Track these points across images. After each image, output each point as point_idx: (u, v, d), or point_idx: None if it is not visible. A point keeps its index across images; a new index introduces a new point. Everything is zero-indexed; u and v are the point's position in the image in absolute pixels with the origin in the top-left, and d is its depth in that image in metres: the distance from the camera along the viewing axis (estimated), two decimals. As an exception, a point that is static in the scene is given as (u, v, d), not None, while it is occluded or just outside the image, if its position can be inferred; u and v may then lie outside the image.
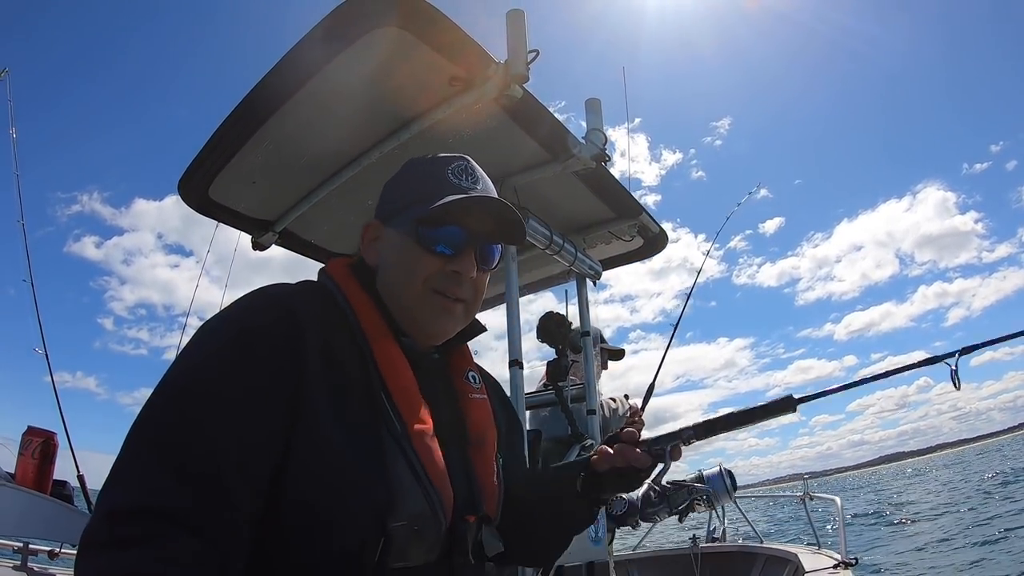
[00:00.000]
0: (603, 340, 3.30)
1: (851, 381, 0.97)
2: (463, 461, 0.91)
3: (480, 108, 1.65)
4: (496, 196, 0.93)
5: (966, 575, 8.28)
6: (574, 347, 2.57)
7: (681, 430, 0.95)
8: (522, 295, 2.07)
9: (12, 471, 3.06)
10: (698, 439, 0.95)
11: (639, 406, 2.98)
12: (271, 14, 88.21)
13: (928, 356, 0.95)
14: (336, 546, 0.71)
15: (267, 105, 1.62)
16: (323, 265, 0.95)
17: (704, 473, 0.89)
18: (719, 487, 0.88)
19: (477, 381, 1.01)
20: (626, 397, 3.03)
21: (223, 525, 0.64)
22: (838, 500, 3.90)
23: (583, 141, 1.93)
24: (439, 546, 0.79)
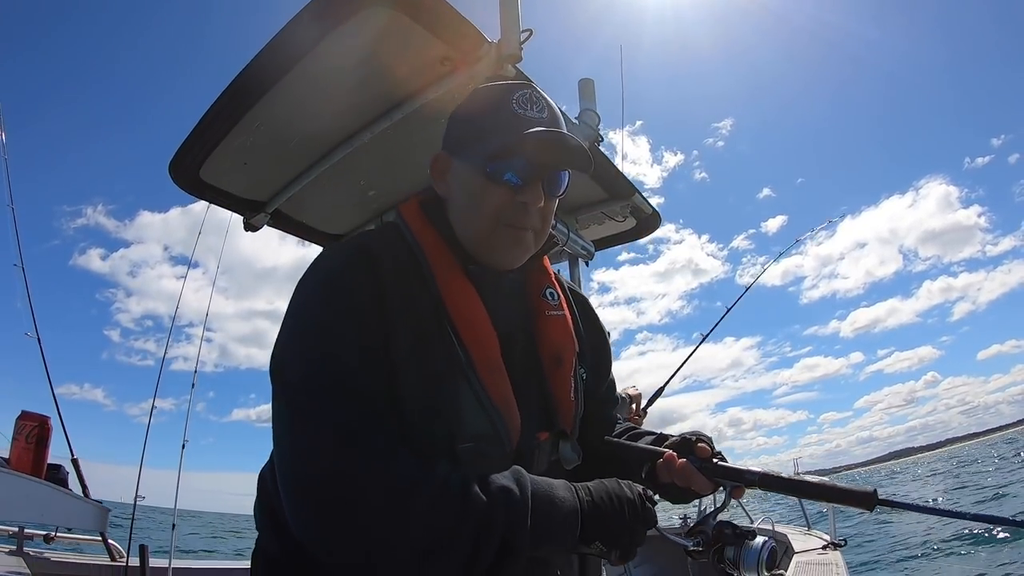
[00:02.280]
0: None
1: (945, 509, 0.92)
2: (538, 380, 0.96)
3: (472, 88, 1.64)
4: (561, 124, 0.94)
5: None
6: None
7: (746, 472, 0.92)
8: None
9: (7, 456, 3.06)
10: (761, 488, 0.92)
11: (642, 403, 2.91)
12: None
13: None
14: None
15: (258, 85, 1.60)
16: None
17: (749, 541, 0.79)
18: (751, 560, 0.78)
19: (555, 298, 1.04)
20: (633, 388, 2.93)
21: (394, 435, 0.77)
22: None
23: (576, 122, 1.93)
24: (506, 465, 0.82)
